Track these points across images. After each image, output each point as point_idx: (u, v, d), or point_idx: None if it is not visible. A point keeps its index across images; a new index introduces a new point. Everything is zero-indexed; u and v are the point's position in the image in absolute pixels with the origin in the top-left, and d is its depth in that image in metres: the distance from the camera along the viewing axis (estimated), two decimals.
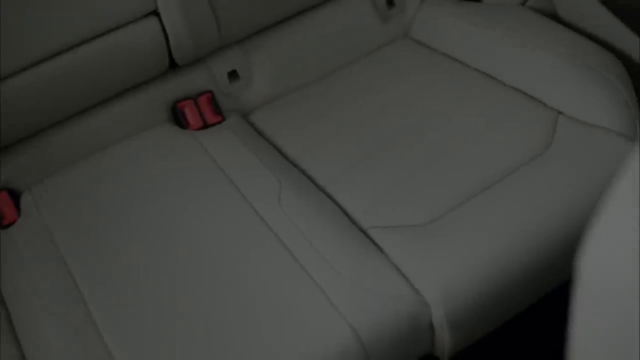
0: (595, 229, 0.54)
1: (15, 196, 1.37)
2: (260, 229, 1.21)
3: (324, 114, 1.44)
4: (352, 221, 1.22)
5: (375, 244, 1.17)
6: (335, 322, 1.06)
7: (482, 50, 1.49)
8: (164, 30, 1.41)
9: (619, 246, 0.51)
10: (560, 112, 1.32)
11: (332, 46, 1.57)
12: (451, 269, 1.10)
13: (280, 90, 1.53)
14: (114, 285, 1.17)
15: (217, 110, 1.47)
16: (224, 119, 1.47)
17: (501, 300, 1.13)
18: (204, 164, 1.36)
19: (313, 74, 1.55)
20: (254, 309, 1.10)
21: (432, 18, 1.60)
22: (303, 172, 1.33)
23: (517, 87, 1.40)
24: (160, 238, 1.23)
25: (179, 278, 1.16)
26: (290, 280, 1.13)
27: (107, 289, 1.17)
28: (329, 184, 1.29)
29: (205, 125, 1.46)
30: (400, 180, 1.25)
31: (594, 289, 0.54)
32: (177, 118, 1.47)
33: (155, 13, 1.40)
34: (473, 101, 1.39)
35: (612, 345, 0.54)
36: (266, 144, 1.41)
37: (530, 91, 1.38)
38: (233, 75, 1.51)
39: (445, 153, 1.28)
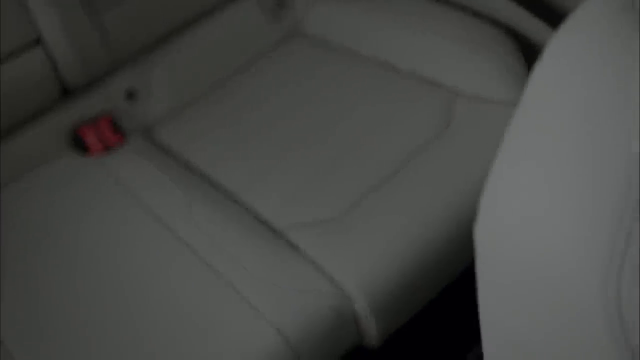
0: (484, 197, 0.55)
1: None
2: (175, 245, 1.20)
3: (228, 121, 1.44)
4: (266, 223, 1.21)
5: (291, 242, 1.17)
6: (259, 326, 1.06)
7: (377, 38, 1.50)
8: (50, 57, 1.37)
9: (506, 208, 0.52)
10: (457, 92, 1.35)
11: (227, 52, 1.57)
12: (367, 257, 1.11)
13: (182, 102, 1.52)
14: (33, 323, 1.14)
15: (117, 131, 1.45)
16: (125, 140, 1.45)
17: (421, 280, 1.14)
18: (109, 189, 1.33)
19: (212, 82, 1.54)
20: (177, 325, 1.09)
21: (325, 12, 1.60)
22: (213, 181, 1.32)
23: (414, 71, 1.42)
24: (76, 270, 1.21)
25: (98, 305, 1.14)
26: (210, 290, 1.12)
27: (25, 328, 1.13)
28: (240, 190, 1.28)
29: (107, 149, 1.43)
30: (309, 177, 1.26)
31: (491, 254, 0.55)
32: (78, 144, 1.43)
33: (39, 41, 1.36)
34: (372, 91, 1.40)
35: (515, 309, 0.54)
36: (172, 159, 1.39)
37: (426, 74, 1.40)
38: (131, 93, 1.49)
39: (350, 146, 1.30)
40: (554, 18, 1.44)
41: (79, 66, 1.39)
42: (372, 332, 1.12)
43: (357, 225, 1.15)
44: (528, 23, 1.46)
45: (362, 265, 1.11)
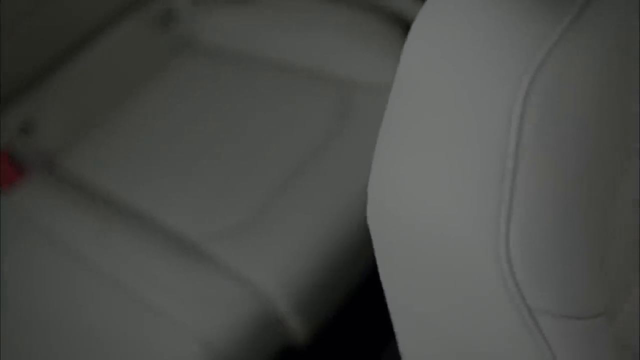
0: (370, 182, 0.55)
1: None
2: (92, 274, 1.17)
3: (130, 140, 1.42)
4: (181, 237, 1.20)
5: (206, 252, 1.17)
6: (184, 341, 1.05)
7: (270, 39, 1.50)
8: None
9: (392, 190, 0.52)
10: (353, 83, 1.36)
11: (121, 71, 1.54)
12: (283, 258, 1.12)
13: (81, 128, 1.48)
14: None
15: (17, 167, 1.41)
16: (27, 175, 1.41)
17: (338, 275, 1.15)
18: (14, 228, 1.29)
19: (109, 103, 1.51)
20: (102, 351, 1.07)
21: (215, 19, 1.59)
22: (123, 202, 1.30)
23: (310, 68, 1.42)
24: None
25: (23, 344, 1.11)
26: (132, 313, 1.11)
27: None
28: (151, 207, 1.27)
29: (8, 186, 1.39)
30: (217, 186, 1.26)
31: (385, 238, 0.55)
32: None
33: None
34: (271, 93, 1.40)
35: (415, 287, 0.55)
36: (78, 187, 1.36)
37: (322, 70, 1.41)
38: (25, 126, 1.45)
39: (254, 150, 1.30)
40: None
41: None
42: (299, 331, 1.12)
43: (269, 228, 1.16)
44: (416, 10, 1.49)
45: (278, 267, 1.11)
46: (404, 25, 1.46)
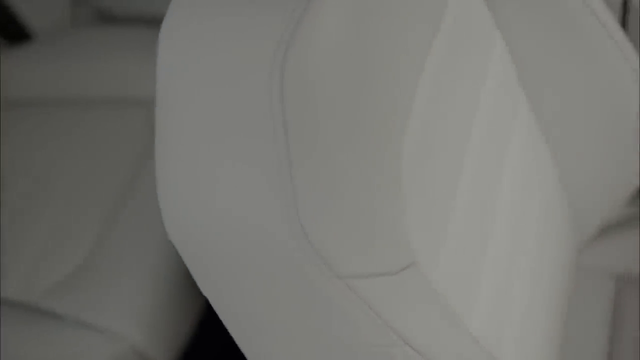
0: (160, 195, 0.54)
1: None
2: None
3: None
4: (18, 302, 1.15)
5: (49, 310, 1.12)
6: None
7: (69, 78, 1.46)
8: None
9: (179, 197, 0.52)
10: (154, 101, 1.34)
11: None
12: (126, 293, 1.10)
13: None
14: None
15: None
16: None
17: (187, 293, 1.14)
18: None
19: None
20: None
21: (14, 74, 1.52)
22: None
23: (116, 95, 1.39)
24: None
25: None
26: None
27: None
28: None
29: None
30: (44, 240, 1.20)
31: (190, 249, 0.55)
32: None
33: None
34: (81, 131, 1.35)
35: (229, 284, 0.55)
36: None
37: (128, 94, 1.38)
38: None
39: (74, 194, 1.25)
40: None
41: None
42: (160, 357, 1.11)
43: (104, 267, 1.13)
44: None
45: (124, 303, 1.09)
46: None
